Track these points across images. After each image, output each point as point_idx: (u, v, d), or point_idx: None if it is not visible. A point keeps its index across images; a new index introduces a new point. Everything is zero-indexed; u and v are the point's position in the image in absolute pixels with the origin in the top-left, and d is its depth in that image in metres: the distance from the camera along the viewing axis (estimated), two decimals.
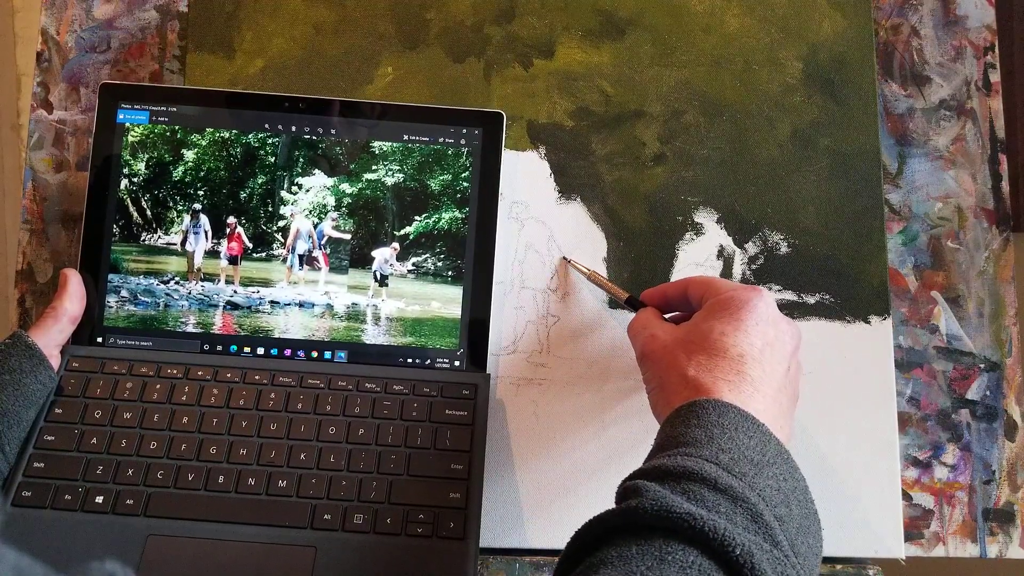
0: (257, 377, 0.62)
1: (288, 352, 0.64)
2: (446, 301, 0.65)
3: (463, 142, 0.66)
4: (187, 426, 0.60)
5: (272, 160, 0.66)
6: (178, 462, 0.58)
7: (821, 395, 0.66)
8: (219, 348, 0.64)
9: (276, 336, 0.65)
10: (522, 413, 0.65)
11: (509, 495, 0.64)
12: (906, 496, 0.68)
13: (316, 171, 0.66)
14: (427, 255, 0.66)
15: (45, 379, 0.59)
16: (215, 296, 0.66)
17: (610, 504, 0.43)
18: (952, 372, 0.70)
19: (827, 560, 0.63)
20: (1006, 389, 0.70)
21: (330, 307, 0.66)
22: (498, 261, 0.67)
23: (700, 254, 0.69)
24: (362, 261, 0.66)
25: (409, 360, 0.64)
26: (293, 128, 0.66)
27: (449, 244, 0.66)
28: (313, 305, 0.66)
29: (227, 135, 0.66)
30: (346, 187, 0.66)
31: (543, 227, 0.69)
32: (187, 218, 0.66)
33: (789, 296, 0.69)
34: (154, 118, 0.66)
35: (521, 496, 0.64)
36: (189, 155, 0.66)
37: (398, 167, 0.66)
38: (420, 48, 0.72)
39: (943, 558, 0.67)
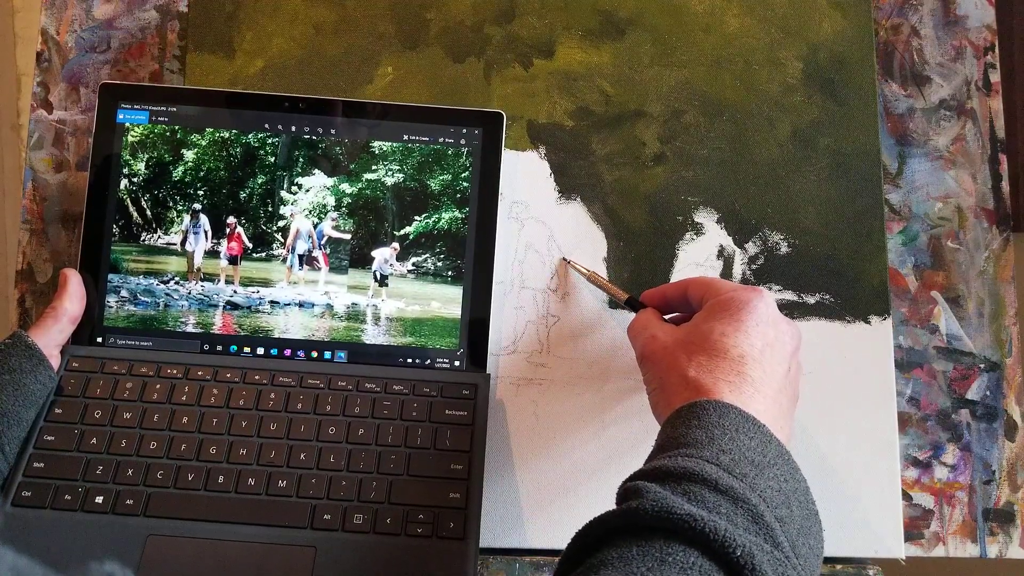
0: (257, 377, 0.62)
1: (288, 352, 0.64)
2: (446, 301, 0.65)
3: (463, 142, 0.66)
4: (187, 426, 0.60)
5: (272, 160, 0.66)
6: (178, 462, 0.58)
7: (821, 395, 0.66)
8: (219, 348, 0.64)
9: (276, 336, 0.65)
10: (522, 413, 0.65)
11: (509, 495, 0.64)
12: (906, 496, 0.68)
13: (316, 171, 0.66)
14: (427, 255, 0.66)
15: (45, 379, 0.59)
16: (215, 296, 0.66)
17: (610, 504, 0.43)
18: (952, 372, 0.70)
19: (827, 560, 0.63)
20: (1006, 389, 0.70)
21: (330, 307, 0.66)
22: (498, 261, 0.67)
23: (700, 254, 0.69)
24: (362, 261, 0.66)
25: (409, 360, 0.64)
26: (293, 128, 0.66)
27: (449, 244, 0.66)
28: (313, 305, 0.66)
29: (227, 135, 0.66)
30: (346, 187, 0.66)
31: (543, 227, 0.69)
32: (187, 218, 0.66)
33: (789, 296, 0.69)
34: (154, 118, 0.66)
35: (521, 496, 0.64)
36: (189, 155, 0.66)
37: (398, 167, 0.66)
38: (420, 48, 0.72)
39: (943, 558, 0.67)
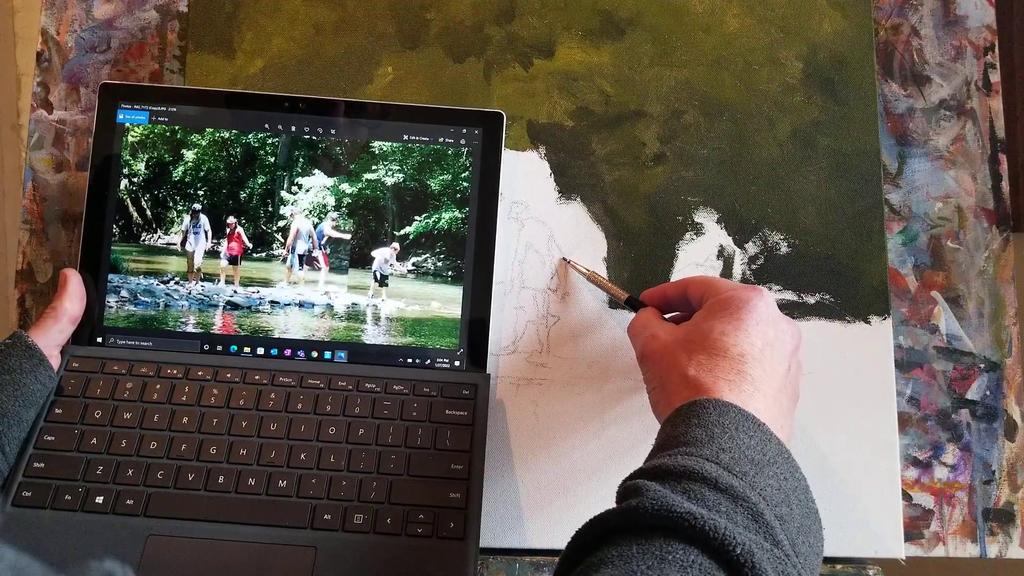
0: (257, 377, 0.62)
1: (288, 352, 0.64)
2: (446, 301, 0.65)
3: (463, 142, 0.66)
4: (187, 426, 0.60)
5: (272, 160, 0.66)
6: (178, 462, 0.58)
7: (821, 395, 0.66)
8: (219, 348, 0.64)
9: (276, 336, 0.65)
10: (522, 413, 0.65)
11: (509, 495, 0.64)
12: (906, 496, 0.68)
13: (316, 171, 0.66)
14: (427, 255, 0.66)
15: (45, 379, 0.59)
16: (215, 296, 0.66)
17: (610, 504, 0.43)
18: (952, 372, 0.70)
19: (827, 560, 0.63)
20: (1006, 389, 0.70)
21: (330, 307, 0.66)
22: (498, 261, 0.67)
23: (700, 254, 0.69)
24: (362, 261, 0.66)
25: (409, 360, 0.64)
26: (293, 128, 0.66)
27: (449, 244, 0.66)
28: (313, 305, 0.66)
29: (227, 135, 0.66)
30: (346, 187, 0.66)
31: (543, 227, 0.69)
32: (187, 218, 0.66)
33: (789, 296, 0.69)
34: (154, 118, 0.66)
35: (521, 496, 0.64)
36: (189, 155, 0.66)
37: (398, 167, 0.66)
38: (420, 48, 0.72)
39: (943, 558, 0.67)
